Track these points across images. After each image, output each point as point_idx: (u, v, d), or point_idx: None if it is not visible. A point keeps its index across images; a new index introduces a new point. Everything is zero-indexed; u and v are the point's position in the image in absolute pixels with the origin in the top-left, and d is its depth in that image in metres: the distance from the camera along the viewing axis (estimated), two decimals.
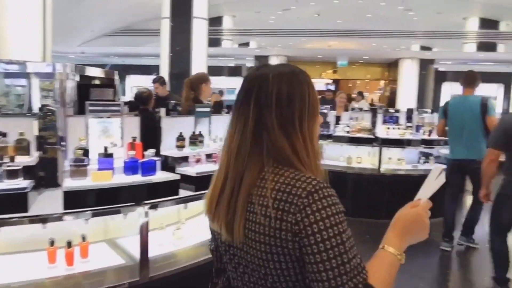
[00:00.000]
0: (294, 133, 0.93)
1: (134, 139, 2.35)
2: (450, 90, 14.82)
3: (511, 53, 11.02)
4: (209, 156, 2.74)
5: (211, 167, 2.61)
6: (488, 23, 13.48)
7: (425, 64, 14.90)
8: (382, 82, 19.18)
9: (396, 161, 5.88)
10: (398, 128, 5.78)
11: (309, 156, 0.94)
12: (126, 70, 16.19)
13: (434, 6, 12.94)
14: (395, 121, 6.02)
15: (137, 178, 2.25)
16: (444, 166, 1.03)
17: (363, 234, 5.07)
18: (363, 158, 5.98)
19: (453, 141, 4.34)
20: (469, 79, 4.26)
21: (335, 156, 6.15)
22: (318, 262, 0.83)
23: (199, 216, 2.97)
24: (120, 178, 2.21)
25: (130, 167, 2.27)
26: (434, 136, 5.82)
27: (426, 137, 5.76)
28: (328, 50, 15.47)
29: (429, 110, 6.99)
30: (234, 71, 17.38)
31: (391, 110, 6.24)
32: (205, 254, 2.48)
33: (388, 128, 5.78)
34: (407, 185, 5.66)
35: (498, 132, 3.27)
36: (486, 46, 13.16)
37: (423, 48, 15.08)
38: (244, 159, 0.92)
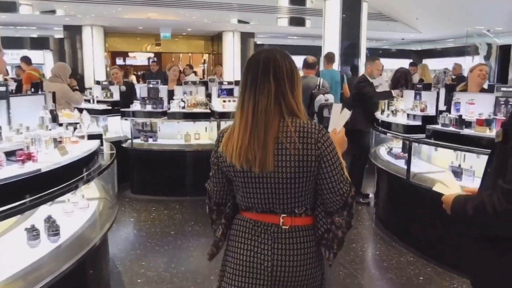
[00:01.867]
0: (296, 95, 1.40)
1: None
2: None
3: (316, 28, 12.33)
4: (11, 153, 1.97)
5: (16, 170, 1.87)
6: (297, 0, 14.74)
7: (245, 38, 15.49)
8: (206, 56, 19.28)
9: None
10: (234, 101, 5.67)
11: (302, 108, 1.42)
12: None
13: None
14: (230, 93, 5.91)
15: None
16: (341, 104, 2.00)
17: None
18: (202, 134, 5.72)
19: None
20: (331, 57, 6.34)
21: (172, 134, 5.72)
22: (333, 170, 1.37)
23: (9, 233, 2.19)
24: None
25: None
26: None
27: None
28: (149, 21, 14.48)
29: None
30: (39, 43, 14.76)
31: (225, 83, 6.09)
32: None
33: (224, 101, 5.62)
34: None
35: None
36: (296, 21, 14.43)
37: (241, 21, 15.56)
38: (270, 115, 1.35)
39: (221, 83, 6.01)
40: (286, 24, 14.46)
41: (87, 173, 2.38)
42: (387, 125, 4.61)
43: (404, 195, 4.01)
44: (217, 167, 1.48)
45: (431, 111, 4.16)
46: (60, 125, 2.68)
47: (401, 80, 5.34)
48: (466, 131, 3.42)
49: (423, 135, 3.89)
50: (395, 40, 17.28)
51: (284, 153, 1.33)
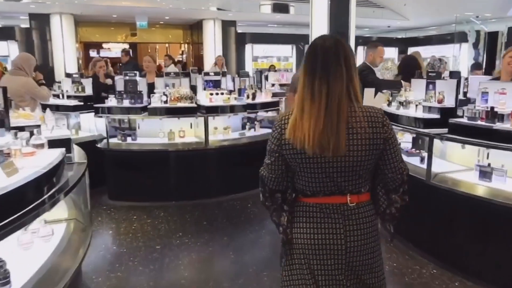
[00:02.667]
0: (357, 80, 1.48)
1: None
2: (252, 52, 15.28)
3: (301, 15, 11.81)
4: None
5: None
6: None
7: (226, 26, 14.77)
8: (184, 46, 18.46)
9: (222, 131, 5.26)
10: (222, 94, 5.10)
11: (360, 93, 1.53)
12: None
13: None
14: (217, 85, 5.33)
15: None
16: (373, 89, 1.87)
17: (199, 220, 4.32)
18: (187, 131, 5.13)
19: None
20: None
21: (153, 132, 5.11)
22: (395, 151, 1.51)
23: None
24: None
25: None
26: (258, 99, 5.43)
27: (250, 101, 5.29)
28: (124, 9, 13.59)
29: (249, 72, 6.61)
30: (3, 34, 13.69)
31: (211, 73, 5.50)
32: None
33: (211, 94, 5.04)
34: (240, 155, 5.16)
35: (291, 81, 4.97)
36: (280, 8, 13.78)
37: (220, 9, 14.81)
38: (342, 101, 1.41)
39: (206, 73, 5.40)
40: (269, 11, 13.83)
41: (48, 194, 1.80)
42: (396, 118, 4.14)
43: (422, 198, 3.54)
44: (278, 154, 1.51)
45: (448, 103, 3.70)
46: (13, 129, 2.07)
47: (412, 68, 4.85)
48: (499, 125, 2.97)
49: (444, 130, 3.44)
50: (380, 28, 16.89)
51: (356, 138, 1.43)
